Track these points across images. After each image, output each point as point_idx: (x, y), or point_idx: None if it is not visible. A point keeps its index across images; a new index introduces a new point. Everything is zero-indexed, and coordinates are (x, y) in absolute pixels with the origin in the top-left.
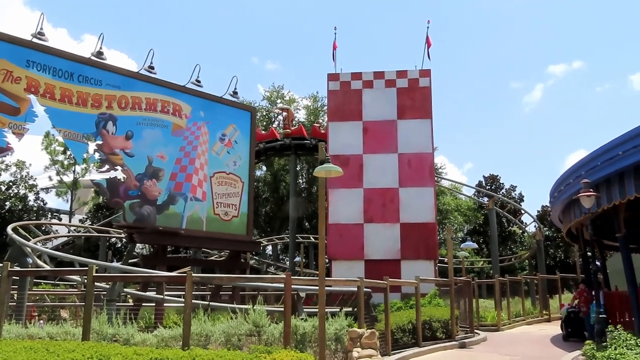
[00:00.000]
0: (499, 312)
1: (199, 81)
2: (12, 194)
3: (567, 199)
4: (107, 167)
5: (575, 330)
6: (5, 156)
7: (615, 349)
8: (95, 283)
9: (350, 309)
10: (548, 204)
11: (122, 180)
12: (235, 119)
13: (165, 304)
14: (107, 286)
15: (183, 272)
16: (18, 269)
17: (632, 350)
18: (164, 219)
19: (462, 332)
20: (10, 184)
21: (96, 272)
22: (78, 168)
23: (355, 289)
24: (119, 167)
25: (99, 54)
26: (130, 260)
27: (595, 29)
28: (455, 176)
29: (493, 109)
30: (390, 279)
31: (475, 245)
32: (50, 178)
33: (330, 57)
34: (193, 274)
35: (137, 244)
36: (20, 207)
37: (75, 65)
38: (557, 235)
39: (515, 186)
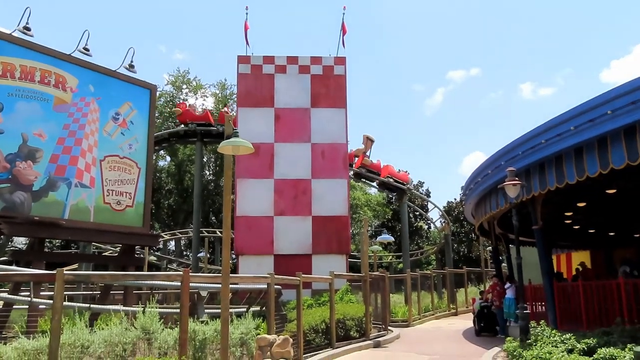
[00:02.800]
0: (410, 307)
1: (87, 49)
2: None
3: (483, 192)
4: None
5: (487, 324)
6: None
7: (541, 347)
8: None
9: (258, 308)
10: (453, 200)
11: None
12: (132, 97)
13: (42, 307)
14: None
15: (71, 269)
16: None
17: (557, 347)
18: (41, 208)
19: (375, 329)
20: None
21: None
22: None
23: (265, 286)
24: None
25: None
26: (2, 258)
27: (491, 38)
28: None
29: (396, 110)
30: (303, 275)
31: (392, 239)
32: None
33: (241, 44)
34: (66, 272)
35: (19, 237)
36: None
37: None
38: (461, 231)
39: (423, 182)
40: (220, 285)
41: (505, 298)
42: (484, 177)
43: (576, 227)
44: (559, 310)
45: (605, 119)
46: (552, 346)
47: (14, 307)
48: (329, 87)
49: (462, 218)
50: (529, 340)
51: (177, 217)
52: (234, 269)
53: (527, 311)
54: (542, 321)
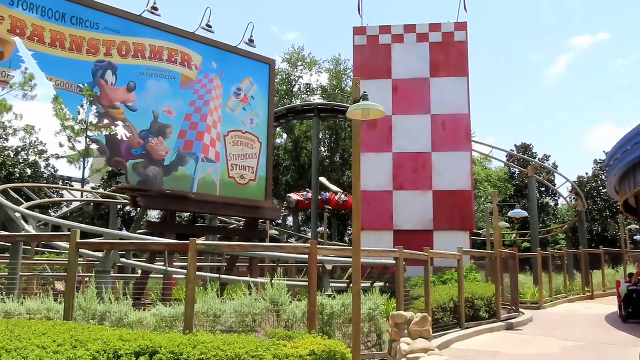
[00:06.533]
0: (541, 289)
1: (210, 26)
2: (21, 160)
3: (632, 162)
4: (106, 121)
5: (636, 310)
6: None
7: None
8: (89, 252)
9: (382, 283)
10: (584, 175)
11: (125, 137)
12: (252, 72)
13: (177, 276)
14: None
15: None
16: None
17: None
18: (172, 182)
19: (505, 311)
20: (19, 149)
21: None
22: (90, 133)
23: (389, 261)
24: (120, 123)
25: None
26: (139, 230)
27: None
28: (479, 149)
29: (513, 81)
30: (431, 251)
31: (525, 213)
32: (60, 144)
33: (354, 18)
34: (198, 242)
35: (153, 212)
36: (29, 173)
37: (68, 5)
38: (594, 208)
39: (549, 156)
40: (345, 259)
41: None
42: (635, 145)
43: None
44: None
45: None
46: None
47: (150, 275)
48: (449, 55)
49: (595, 194)
50: None
51: None
52: (351, 244)
53: None
54: None
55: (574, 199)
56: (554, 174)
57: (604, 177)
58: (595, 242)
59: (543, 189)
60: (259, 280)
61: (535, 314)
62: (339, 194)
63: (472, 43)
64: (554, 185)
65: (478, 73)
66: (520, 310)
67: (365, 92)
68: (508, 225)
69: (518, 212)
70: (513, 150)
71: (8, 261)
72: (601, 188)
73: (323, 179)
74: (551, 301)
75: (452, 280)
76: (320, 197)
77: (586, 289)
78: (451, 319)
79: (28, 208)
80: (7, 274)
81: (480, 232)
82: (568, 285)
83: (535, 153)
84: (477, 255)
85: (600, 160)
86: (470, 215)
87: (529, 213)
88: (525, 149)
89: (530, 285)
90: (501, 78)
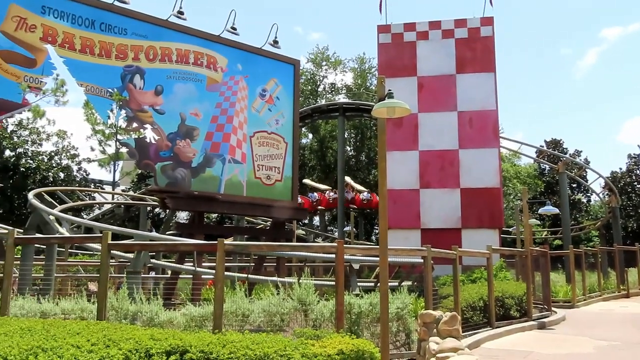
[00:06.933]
0: (574, 287)
1: (234, 28)
2: (54, 165)
3: None
4: (135, 125)
5: None
6: (20, 112)
7: None
8: (120, 253)
9: (410, 282)
10: (618, 170)
11: (153, 140)
12: (277, 73)
13: (205, 276)
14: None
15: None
16: (23, 236)
17: None
18: (199, 183)
19: (536, 310)
20: (53, 154)
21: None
22: (119, 137)
23: (417, 260)
24: (148, 126)
25: None
26: (168, 232)
27: None
28: (507, 145)
29: (542, 75)
30: (459, 249)
31: (556, 210)
32: (92, 148)
33: (378, 16)
34: (226, 242)
35: (181, 213)
36: (62, 177)
37: (97, 12)
38: (629, 204)
39: (580, 151)
40: (373, 258)
41: None
42: None
43: None
44: None
45: None
46: None
47: (180, 276)
48: (475, 50)
49: (629, 190)
50: None
51: None
52: (377, 243)
53: None
54: None
55: (607, 194)
56: (586, 170)
57: (638, 171)
58: (630, 239)
59: (574, 185)
60: (287, 279)
61: (568, 312)
62: (327, 191)
63: (498, 38)
64: (586, 181)
65: (505, 68)
66: (553, 309)
67: (390, 90)
68: (538, 222)
69: (549, 209)
70: (543, 146)
71: (43, 263)
72: (636, 183)
73: (307, 181)
74: (585, 300)
75: (482, 278)
76: (309, 198)
77: (621, 287)
78: (481, 318)
79: (61, 211)
80: (42, 275)
81: (510, 229)
82: (602, 284)
83: (566, 148)
84: (507, 253)
85: (634, 154)
86: (499, 212)
87: (560, 210)
88: (556, 144)
89: (563, 283)
90: (529, 73)
